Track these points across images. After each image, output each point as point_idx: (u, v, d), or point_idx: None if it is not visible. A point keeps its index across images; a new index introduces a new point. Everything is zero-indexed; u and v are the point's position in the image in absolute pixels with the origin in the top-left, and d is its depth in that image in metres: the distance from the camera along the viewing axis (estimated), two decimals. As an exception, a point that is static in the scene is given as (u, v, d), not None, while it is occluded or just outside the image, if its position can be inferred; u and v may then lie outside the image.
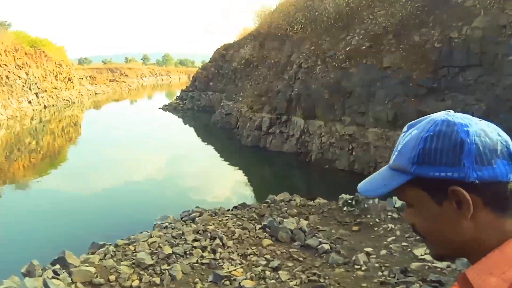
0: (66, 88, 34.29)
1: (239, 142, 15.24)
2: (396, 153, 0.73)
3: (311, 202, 7.50)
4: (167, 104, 28.42)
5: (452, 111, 0.73)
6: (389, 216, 6.44)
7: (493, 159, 0.65)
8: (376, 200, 6.76)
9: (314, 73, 13.10)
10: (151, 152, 15.06)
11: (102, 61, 70.67)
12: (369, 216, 6.50)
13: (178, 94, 30.80)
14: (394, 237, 5.87)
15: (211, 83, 25.17)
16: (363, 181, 0.78)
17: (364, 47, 11.74)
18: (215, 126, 19.54)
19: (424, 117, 0.73)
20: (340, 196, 7.19)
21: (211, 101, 24.48)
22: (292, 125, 13.50)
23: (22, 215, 8.36)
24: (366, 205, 6.67)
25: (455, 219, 0.68)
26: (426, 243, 0.76)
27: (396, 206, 6.50)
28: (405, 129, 0.75)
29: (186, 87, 29.50)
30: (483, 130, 0.67)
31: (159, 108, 27.40)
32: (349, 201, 6.85)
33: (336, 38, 13.26)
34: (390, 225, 6.15)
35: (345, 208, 6.75)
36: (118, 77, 54.61)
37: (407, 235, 5.78)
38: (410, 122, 0.75)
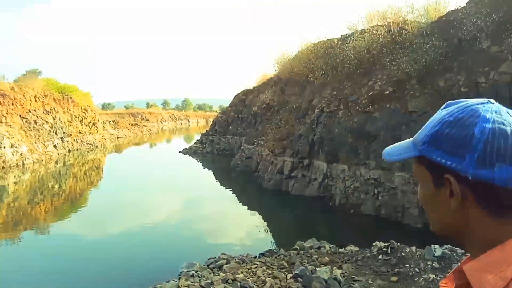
0: (90, 133, 35.17)
1: (260, 185, 15.04)
2: (423, 127, 0.74)
3: (342, 250, 7.16)
4: (187, 147, 28.67)
5: (494, 101, 0.70)
6: (429, 266, 6.04)
7: (497, 162, 0.64)
8: (414, 248, 6.41)
9: (337, 117, 13.06)
10: (171, 196, 14.96)
11: (125, 106, 72.86)
12: (407, 265, 6.11)
13: (197, 138, 31.16)
14: (436, 290, 5.47)
15: (230, 127, 25.43)
16: (391, 146, 0.80)
17: (387, 91, 11.73)
18: (235, 170, 19.45)
19: (465, 99, 0.72)
20: (374, 244, 6.84)
21: (230, 145, 24.61)
22: (314, 169, 13.30)
23: (40, 261, 8.18)
24: (403, 254, 6.30)
25: (446, 206, 0.69)
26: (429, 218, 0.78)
27: (436, 255, 6.11)
28: (443, 106, 0.74)
29: (206, 130, 29.86)
30: (504, 130, 0.65)
31: (179, 152, 27.63)
32: (384, 249, 6.49)
33: (358, 84, 13.33)
34: (431, 276, 5.75)
35: (380, 257, 6.38)
36: (139, 121, 55.95)
37: None
38: (450, 101, 0.74)
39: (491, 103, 0.69)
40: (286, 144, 15.27)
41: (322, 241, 7.72)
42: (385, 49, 13.20)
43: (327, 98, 14.36)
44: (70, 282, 6.78)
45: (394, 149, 0.78)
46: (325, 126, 13.30)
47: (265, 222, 11.08)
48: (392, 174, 10.43)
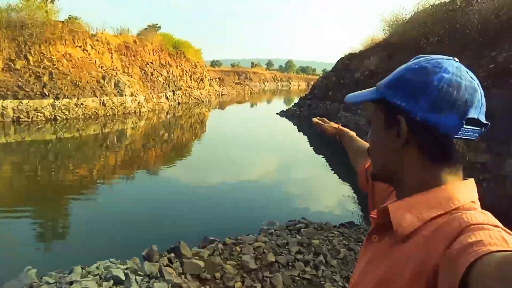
0: (197, 88, 37.59)
1: (354, 155, 14.68)
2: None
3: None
4: (284, 110, 29.00)
5: (457, 59, 0.74)
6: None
7: (446, 109, 0.68)
8: None
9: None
10: (264, 156, 15.51)
11: (231, 64, 75.71)
12: None
13: (296, 100, 31.19)
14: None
15: (330, 92, 24.85)
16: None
17: (512, 65, 10.21)
18: (329, 137, 19.20)
19: (433, 54, 0.76)
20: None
21: (328, 111, 24.17)
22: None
23: (149, 201, 9.33)
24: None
25: (392, 145, 0.74)
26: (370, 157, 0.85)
27: None
28: (412, 59, 0.78)
29: (305, 94, 29.68)
30: (460, 83, 0.69)
31: (277, 114, 28.12)
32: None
33: (478, 54, 11.80)
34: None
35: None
36: (243, 80, 57.83)
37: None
38: (419, 55, 0.79)
39: (455, 60, 0.74)
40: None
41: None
42: (518, 14, 11.35)
43: (439, 68, 13.06)
44: (167, 223, 7.67)
45: (357, 94, 0.84)
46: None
47: (353, 194, 10.91)
48: (503, 160, 9.28)
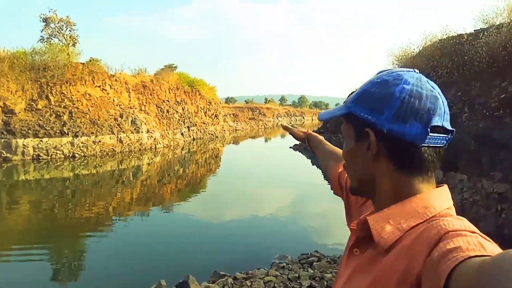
0: (212, 124, 38.21)
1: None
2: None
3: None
4: (297, 143, 29.05)
5: (418, 71, 0.77)
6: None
7: (409, 119, 0.70)
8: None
9: (459, 120, 11.78)
10: (277, 190, 15.44)
11: (245, 101, 76.98)
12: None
13: (310, 134, 31.22)
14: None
15: (342, 126, 24.91)
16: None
17: (523, 95, 10.14)
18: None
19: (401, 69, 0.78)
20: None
21: (340, 143, 24.00)
22: (428, 176, 12.26)
23: (161, 235, 9.32)
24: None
25: (363, 158, 0.76)
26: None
27: None
28: (375, 74, 0.80)
29: (318, 128, 29.80)
30: (421, 93, 0.71)
31: (290, 147, 28.18)
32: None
33: (488, 85, 11.79)
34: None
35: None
36: (256, 116, 58.53)
37: None
38: (382, 70, 0.81)
39: (415, 72, 0.76)
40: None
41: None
42: (525, 45, 11.39)
43: (450, 99, 13.04)
44: (176, 257, 7.61)
45: (329, 110, 0.87)
46: (444, 130, 12.11)
47: (367, 226, 10.70)
48: (521, 189, 9.02)
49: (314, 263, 6.54)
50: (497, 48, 12.26)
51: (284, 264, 6.57)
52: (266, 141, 41.19)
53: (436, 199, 0.72)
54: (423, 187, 0.73)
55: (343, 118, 0.82)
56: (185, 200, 13.98)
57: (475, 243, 0.56)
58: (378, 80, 0.76)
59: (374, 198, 0.79)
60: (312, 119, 71.84)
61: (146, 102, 28.46)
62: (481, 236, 0.59)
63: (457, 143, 11.33)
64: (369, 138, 0.74)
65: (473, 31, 15.06)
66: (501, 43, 12.18)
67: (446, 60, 14.82)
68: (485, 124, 10.72)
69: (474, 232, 0.60)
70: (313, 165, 23.15)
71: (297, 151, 27.01)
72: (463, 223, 0.64)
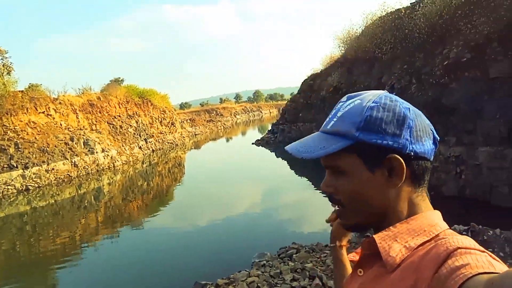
0: (169, 132, 37.48)
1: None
2: (334, 119, 0.76)
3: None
4: (259, 139, 29.17)
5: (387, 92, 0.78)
6: (516, 250, 5.48)
7: (423, 137, 0.72)
8: (498, 231, 5.85)
9: (409, 92, 12.28)
10: (246, 187, 15.41)
11: (200, 104, 76.22)
12: (490, 249, 5.59)
13: (270, 128, 31.50)
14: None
15: (300, 114, 25.27)
16: (293, 143, 0.81)
17: (464, 59, 10.71)
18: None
19: (362, 92, 0.78)
20: (451, 228, 6.36)
21: (301, 132, 24.46)
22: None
23: (134, 254, 9.02)
24: (485, 237, 5.78)
25: (383, 187, 0.72)
26: (341, 212, 0.79)
27: None
28: (344, 99, 0.79)
29: (277, 120, 30.06)
30: (418, 113, 0.75)
31: (252, 144, 28.23)
32: (464, 232, 6.00)
33: (431, 54, 12.36)
34: (518, 261, 5.22)
35: (460, 242, 5.92)
36: (214, 117, 58.17)
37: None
38: (349, 94, 0.80)
39: (384, 91, 0.78)
40: (357, 126, 14.75)
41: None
42: (459, 11, 12.01)
43: (397, 73, 13.56)
44: (154, 274, 7.38)
45: (308, 146, 0.77)
46: (396, 104, 12.58)
47: (339, 209, 10.93)
48: (475, 149, 9.55)
49: (294, 255, 6.57)
50: (434, 18, 12.86)
51: (264, 261, 6.55)
52: (227, 141, 41.01)
53: (439, 218, 0.74)
54: (426, 203, 0.75)
55: (337, 153, 0.74)
56: (154, 215, 13.61)
57: (484, 261, 0.56)
58: (377, 104, 0.73)
59: (381, 225, 0.75)
60: (270, 112, 72.38)
61: (96, 121, 27.39)
62: (490, 255, 0.59)
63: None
64: (393, 164, 0.71)
65: (409, 4, 15.71)
66: (437, 12, 12.78)
67: (389, 36, 15.38)
68: (433, 92, 11.23)
69: (483, 251, 0.60)
70: (277, 157, 23.32)
71: (260, 146, 27.11)
72: (472, 242, 0.64)
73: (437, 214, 0.74)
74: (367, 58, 17.05)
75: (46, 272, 8.92)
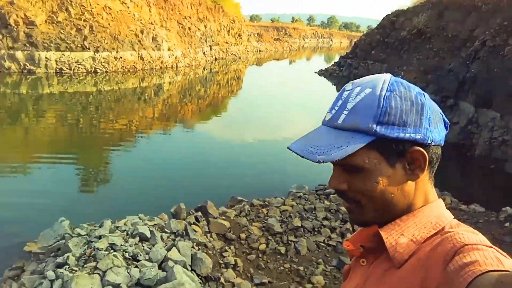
0: (235, 43, 37.05)
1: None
2: (345, 111, 0.68)
3: (464, 207, 6.51)
4: (323, 69, 28.11)
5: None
6: None
7: (438, 123, 0.69)
8: None
9: (501, 53, 10.93)
10: (299, 117, 15.30)
11: (271, 20, 73.56)
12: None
13: (337, 59, 30.10)
14: None
15: (373, 52, 23.66)
16: (297, 141, 0.72)
17: None
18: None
19: (367, 76, 0.72)
20: (503, 208, 6.03)
21: (369, 71, 23.15)
22: (458, 112, 11.77)
23: (181, 157, 9.56)
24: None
25: (403, 180, 0.68)
26: (355, 209, 0.72)
27: None
28: (349, 86, 0.72)
29: (346, 53, 28.51)
30: (427, 96, 0.69)
31: (315, 73, 27.34)
32: (516, 217, 5.68)
33: (542, 13, 10.67)
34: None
35: (507, 225, 5.63)
36: (282, 36, 56.29)
37: None
38: (353, 81, 0.72)
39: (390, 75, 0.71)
40: (431, 78, 13.66)
41: (446, 192, 7.11)
42: None
43: (494, 29, 11.98)
44: (197, 180, 7.83)
45: (321, 144, 0.68)
46: (483, 63, 11.32)
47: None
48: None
49: (331, 195, 6.61)
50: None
51: (301, 194, 6.67)
52: (290, 63, 40.04)
53: (443, 208, 0.71)
54: (433, 190, 0.73)
55: (360, 149, 0.67)
56: (205, 122, 14.09)
57: (492, 258, 0.55)
58: (392, 92, 0.66)
59: (390, 218, 0.71)
60: (341, 42, 68.66)
61: (167, 18, 27.46)
62: (497, 251, 0.58)
63: (494, 78, 10.64)
64: (415, 157, 0.67)
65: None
66: None
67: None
68: (531, 59, 9.91)
69: (490, 247, 0.58)
70: (338, 92, 22.58)
71: (323, 77, 26.24)
72: (479, 237, 0.62)
73: (441, 204, 0.72)
74: (464, 5, 15.11)
75: (97, 153, 9.76)
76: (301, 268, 4.59)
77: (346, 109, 0.68)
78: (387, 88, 0.67)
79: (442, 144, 0.71)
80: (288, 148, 0.72)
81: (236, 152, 10.30)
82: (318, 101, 19.07)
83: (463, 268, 0.54)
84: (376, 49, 23.47)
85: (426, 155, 0.67)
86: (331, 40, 70.91)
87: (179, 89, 20.72)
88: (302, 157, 0.68)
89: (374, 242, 0.72)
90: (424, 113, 0.67)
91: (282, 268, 4.61)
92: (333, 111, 0.70)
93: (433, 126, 0.68)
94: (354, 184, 0.70)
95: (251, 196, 6.42)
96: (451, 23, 15.63)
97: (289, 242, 5.07)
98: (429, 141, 0.67)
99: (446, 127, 0.72)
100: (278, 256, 4.81)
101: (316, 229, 5.43)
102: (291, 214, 5.72)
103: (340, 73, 25.76)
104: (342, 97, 0.70)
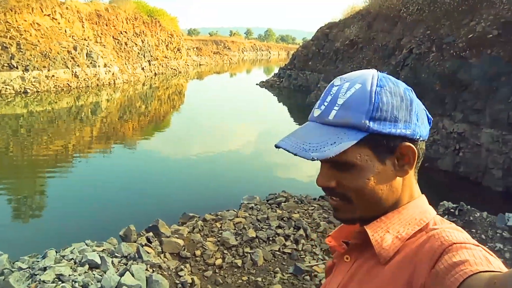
0: (174, 58, 36.59)
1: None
2: (335, 107, 0.67)
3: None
4: (264, 80, 28.66)
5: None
6: (498, 234, 5.61)
7: (424, 118, 0.70)
8: (485, 214, 5.95)
9: (427, 60, 11.88)
10: (244, 128, 15.40)
11: (209, 33, 73.81)
12: (473, 230, 5.73)
13: (276, 71, 30.83)
14: (502, 260, 5.10)
15: (310, 62, 24.61)
16: (286, 138, 0.72)
17: (490, 35, 10.23)
18: (309, 107, 19.15)
19: (355, 72, 0.72)
20: (441, 203, 6.46)
21: (308, 81, 24.03)
22: (392, 115, 12.57)
23: (126, 177, 9.15)
24: (471, 218, 5.89)
25: (392, 176, 0.68)
26: (343, 207, 0.71)
27: (508, 224, 5.62)
28: (337, 81, 0.71)
29: (285, 64, 29.35)
30: (413, 92, 0.70)
31: (256, 84, 27.78)
32: (452, 210, 6.11)
33: (457, 23, 11.78)
34: (498, 245, 5.36)
35: (445, 218, 6.05)
36: (221, 50, 56.63)
37: (518, 258, 5.00)
38: (340, 76, 0.72)
39: (376, 70, 0.71)
40: (366, 85, 14.44)
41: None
42: (498, -18, 11.27)
43: (419, 37, 13.01)
44: (145, 200, 7.54)
45: (312, 140, 0.66)
46: (411, 70, 12.22)
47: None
48: (479, 130, 9.46)
49: (282, 203, 6.69)
50: (469, -15, 12.08)
51: (253, 205, 6.67)
52: (231, 76, 40.32)
53: (427, 204, 0.72)
54: (417, 186, 0.73)
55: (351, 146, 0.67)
56: (148, 139, 13.67)
57: (481, 257, 0.55)
58: (382, 88, 0.66)
59: (376, 215, 0.71)
60: (279, 54, 70.53)
61: (102, 34, 26.49)
62: (485, 250, 0.59)
63: (423, 83, 11.50)
64: (405, 152, 0.67)
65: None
66: (473, -21, 11.97)
67: (418, -5, 14.54)
68: (451, 64, 10.86)
69: (478, 246, 0.59)
70: (279, 102, 23.09)
71: (264, 88, 26.72)
72: (465, 235, 0.63)
73: (425, 200, 0.73)
74: (391, 16, 16.26)
75: (33, 178, 9.05)
76: (259, 279, 4.57)
77: (337, 104, 0.67)
78: (377, 84, 0.67)
79: (424, 140, 0.71)
80: (276, 146, 0.71)
81: (183, 167, 10.08)
82: (260, 111, 19.35)
83: (453, 268, 0.54)
84: (312, 60, 24.43)
85: (415, 151, 0.68)
86: (269, 53, 72.63)
87: (118, 106, 19.95)
88: (295, 154, 0.66)
89: (358, 238, 0.72)
90: (413, 108, 0.68)
91: (240, 281, 4.55)
92: (322, 107, 0.69)
93: (420, 122, 0.69)
94: (344, 181, 0.69)
95: (203, 211, 6.30)
96: (380, 33, 16.73)
97: (245, 254, 5.03)
98: (417, 137, 0.68)
99: (429, 123, 0.73)
100: (235, 270, 4.74)
101: (270, 238, 5.45)
102: (245, 226, 5.69)
103: (280, 84, 26.42)
104: (331, 93, 0.70)
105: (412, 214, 0.69)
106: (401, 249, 0.66)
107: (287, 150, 0.68)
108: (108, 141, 13.07)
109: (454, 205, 6.13)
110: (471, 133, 9.65)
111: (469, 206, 6.04)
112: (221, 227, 5.66)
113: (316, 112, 0.71)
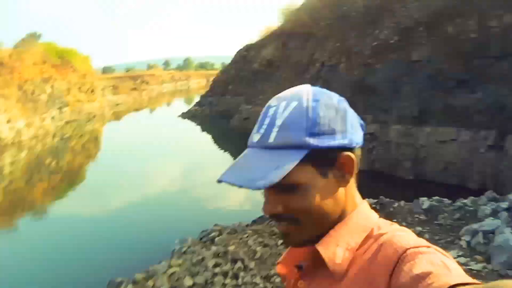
0: (88, 100, 35.16)
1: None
2: (275, 128, 0.68)
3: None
4: (185, 111, 28.62)
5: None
6: (416, 219, 6.20)
7: (357, 125, 0.74)
8: (402, 203, 6.58)
9: (337, 71, 12.82)
10: (166, 165, 15.18)
11: (126, 69, 72.44)
12: (395, 220, 6.22)
13: (197, 99, 31.02)
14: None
15: (230, 86, 25.20)
16: (228, 171, 0.69)
17: (392, 41, 11.39)
18: (233, 132, 19.46)
19: (289, 90, 0.75)
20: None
21: (229, 105, 24.49)
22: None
23: (36, 248, 8.37)
24: (391, 209, 6.45)
25: (335, 188, 0.71)
26: (294, 230, 0.72)
27: (423, 207, 6.30)
28: (273, 102, 0.72)
29: (205, 92, 29.68)
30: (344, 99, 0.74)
31: (178, 116, 27.64)
32: (374, 205, 6.59)
33: (364, 34, 12.94)
34: (418, 228, 5.90)
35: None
36: (139, 85, 55.72)
37: (436, 237, 5.50)
38: (276, 96, 0.74)
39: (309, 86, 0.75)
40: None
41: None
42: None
43: (330, 51, 14.03)
44: (63, 272, 6.99)
45: (255, 168, 0.67)
46: (324, 82, 13.08)
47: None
48: (388, 127, 10.52)
49: (216, 238, 6.66)
50: (372, -3, 13.38)
51: (186, 248, 6.55)
52: (151, 112, 39.74)
53: (368, 208, 0.75)
54: (358, 195, 0.76)
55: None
56: (61, 200, 12.46)
57: (439, 264, 0.57)
58: (318, 103, 0.69)
59: (325, 231, 0.72)
60: (199, 82, 71.14)
61: (3, 84, 24.62)
62: (438, 251, 0.61)
63: (336, 92, 12.33)
64: (345, 162, 0.70)
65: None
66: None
67: (327, 11, 15.73)
68: (359, 72, 11.86)
69: (429, 247, 0.61)
70: (202, 131, 23.13)
71: (186, 119, 26.66)
72: (412, 236, 0.66)
73: (366, 205, 0.75)
74: (303, 33, 17.36)
75: None
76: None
77: (276, 126, 0.68)
78: (312, 99, 0.70)
79: (360, 147, 0.74)
80: (219, 181, 0.68)
81: (103, 225, 9.43)
82: (183, 144, 19.21)
83: (417, 282, 0.54)
84: (233, 83, 25.07)
85: (354, 159, 0.70)
86: (189, 82, 73.05)
87: (25, 168, 18.38)
88: (240, 186, 0.65)
89: (311, 259, 0.73)
90: (347, 118, 0.71)
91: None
92: (262, 130, 0.70)
93: (354, 129, 0.72)
94: (291, 203, 0.69)
95: (131, 271, 5.93)
96: (294, 51, 17.74)
97: (183, 304, 4.91)
98: (354, 144, 0.71)
99: (362, 128, 0.76)
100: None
101: (209, 281, 5.38)
102: (180, 275, 5.56)
103: (202, 112, 26.57)
104: (269, 114, 0.70)
105: (357, 222, 0.71)
106: (353, 260, 0.67)
107: (232, 184, 0.66)
108: (13, 214, 11.58)
109: (375, 200, 6.64)
110: (381, 131, 10.68)
111: (387, 199, 6.63)
112: (154, 284, 5.45)
113: (255, 137, 0.71)
